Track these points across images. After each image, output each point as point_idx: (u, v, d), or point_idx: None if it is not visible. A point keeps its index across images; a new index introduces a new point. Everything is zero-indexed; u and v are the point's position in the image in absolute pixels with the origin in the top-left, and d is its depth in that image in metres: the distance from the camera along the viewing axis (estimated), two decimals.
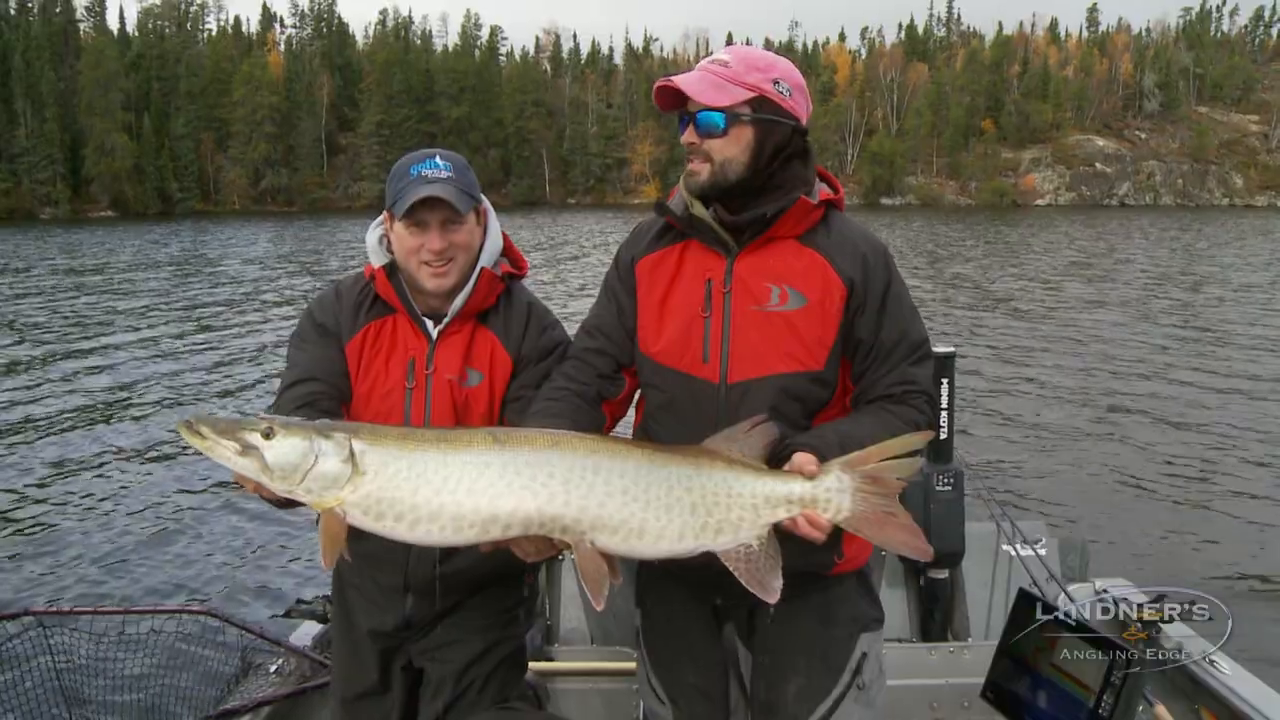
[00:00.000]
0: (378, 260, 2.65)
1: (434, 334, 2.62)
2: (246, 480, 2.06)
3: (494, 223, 2.73)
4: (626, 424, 2.65)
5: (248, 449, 1.98)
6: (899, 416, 2.32)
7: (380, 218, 2.68)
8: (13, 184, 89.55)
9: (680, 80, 2.29)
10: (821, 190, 2.42)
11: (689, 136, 2.35)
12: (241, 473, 2.01)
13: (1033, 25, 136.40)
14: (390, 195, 2.55)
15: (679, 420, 2.39)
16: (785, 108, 2.35)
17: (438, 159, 2.55)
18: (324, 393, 2.55)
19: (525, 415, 2.45)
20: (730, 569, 2.12)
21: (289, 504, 2.19)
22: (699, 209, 2.38)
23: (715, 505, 2.10)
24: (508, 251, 2.77)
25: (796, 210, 2.34)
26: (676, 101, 2.35)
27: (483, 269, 2.62)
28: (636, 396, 2.60)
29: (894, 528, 2.14)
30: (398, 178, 2.55)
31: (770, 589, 2.10)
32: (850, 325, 2.36)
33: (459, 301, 2.60)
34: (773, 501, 2.12)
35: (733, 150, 2.33)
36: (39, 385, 15.30)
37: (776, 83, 2.33)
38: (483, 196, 2.69)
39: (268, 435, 1.99)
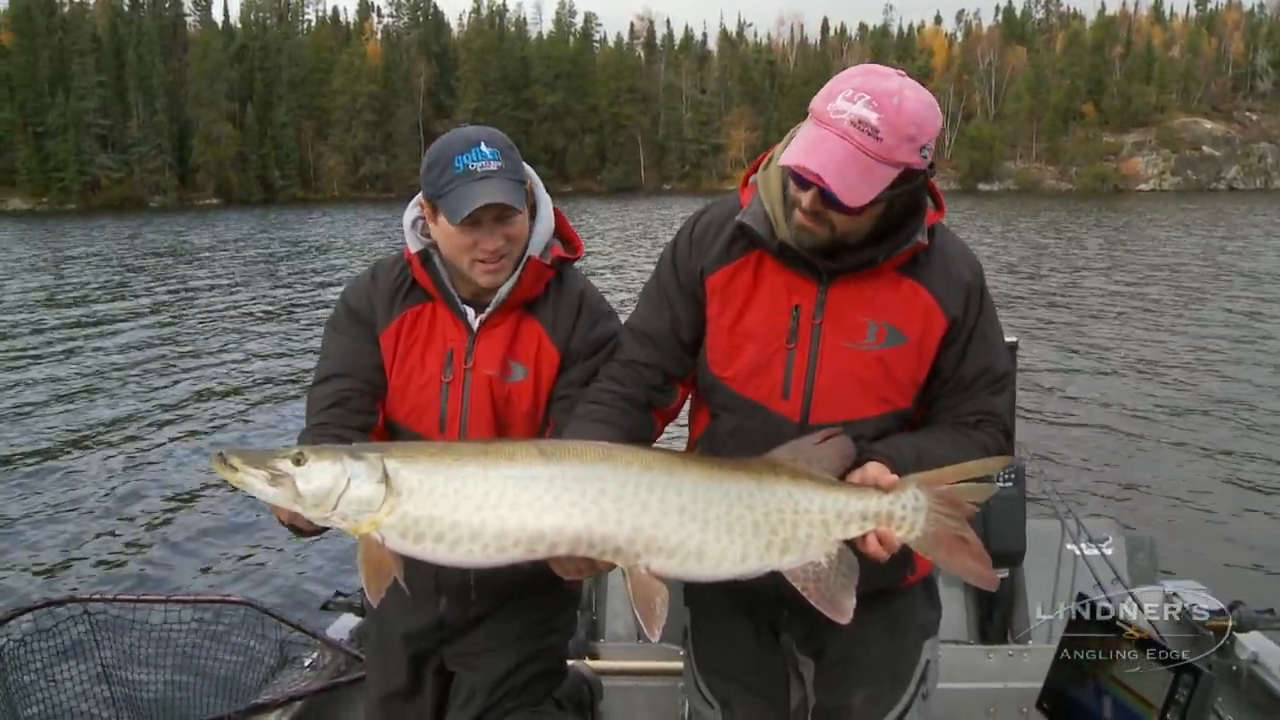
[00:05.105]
0: (414, 245, 2.44)
1: (474, 325, 2.44)
2: (280, 511, 2.03)
3: (544, 201, 2.48)
4: (676, 434, 2.54)
5: (279, 477, 1.93)
6: (973, 440, 2.19)
7: (416, 198, 2.44)
8: (125, 173, 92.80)
9: (826, 175, 1.92)
10: (928, 211, 2.18)
11: (812, 204, 2.01)
12: (274, 503, 1.98)
13: (1136, 5, 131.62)
14: (431, 186, 2.31)
15: (747, 450, 2.18)
16: (921, 169, 2.02)
17: (483, 146, 2.29)
18: (356, 389, 2.44)
19: (569, 418, 2.32)
20: (798, 589, 2.01)
21: (319, 533, 2.16)
22: (785, 231, 2.12)
23: (780, 523, 2.00)
24: (560, 231, 2.53)
25: (906, 251, 2.14)
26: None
27: (530, 258, 2.40)
28: (692, 404, 2.45)
29: (965, 554, 2.05)
30: (439, 167, 2.30)
31: (842, 609, 2.00)
32: (940, 358, 2.20)
33: (503, 292, 2.40)
34: (844, 517, 2.02)
35: (859, 224, 2.06)
36: (97, 374, 15.56)
37: (923, 149, 1.98)
38: (530, 171, 2.45)
39: (298, 462, 1.94)
